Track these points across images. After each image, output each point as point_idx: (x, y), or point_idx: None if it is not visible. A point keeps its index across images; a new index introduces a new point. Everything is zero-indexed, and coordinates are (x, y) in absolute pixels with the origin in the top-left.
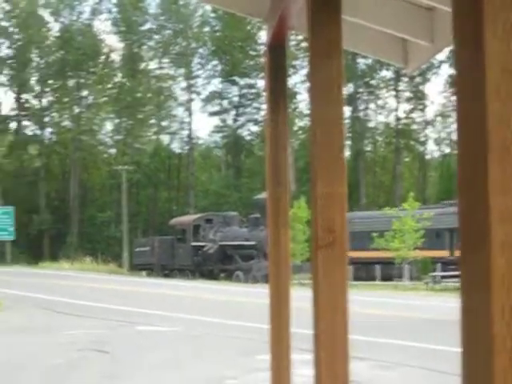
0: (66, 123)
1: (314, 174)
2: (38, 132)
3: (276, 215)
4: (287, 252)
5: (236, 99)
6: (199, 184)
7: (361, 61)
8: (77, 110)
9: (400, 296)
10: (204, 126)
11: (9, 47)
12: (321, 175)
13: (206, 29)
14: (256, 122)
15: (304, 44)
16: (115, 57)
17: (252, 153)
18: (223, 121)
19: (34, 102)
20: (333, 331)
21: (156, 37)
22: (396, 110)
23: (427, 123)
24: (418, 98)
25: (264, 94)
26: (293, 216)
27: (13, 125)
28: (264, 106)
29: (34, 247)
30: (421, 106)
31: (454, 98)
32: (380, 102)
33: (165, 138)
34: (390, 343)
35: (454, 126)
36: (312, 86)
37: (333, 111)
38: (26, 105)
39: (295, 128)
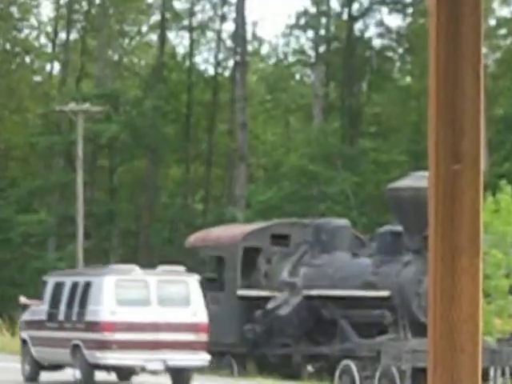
0: None
1: None
2: None
3: (449, 227)
4: (476, 318)
5: None
6: (258, 149)
7: None
8: None
9: None
10: (271, 13)
11: None
12: None
13: None
14: (398, 7)
15: None
16: None
17: (388, 79)
18: (318, 1)
19: None
20: None
21: None
22: None
23: None
24: None
25: None
26: (485, 230)
27: None
28: None
29: None
30: None
31: None
32: None
33: (180, 41)
34: None
35: None
36: None
37: None
38: None
39: (491, 21)
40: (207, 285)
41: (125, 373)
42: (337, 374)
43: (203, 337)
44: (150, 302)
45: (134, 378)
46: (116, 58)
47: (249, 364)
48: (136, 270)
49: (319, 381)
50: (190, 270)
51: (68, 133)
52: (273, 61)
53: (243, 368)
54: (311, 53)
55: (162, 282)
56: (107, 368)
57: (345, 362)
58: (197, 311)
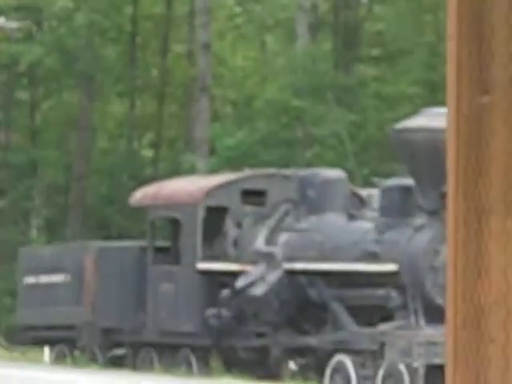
0: None
1: None
2: None
3: (474, 179)
4: (509, 298)
5: None
6: (225, 77)
7: None
8: None
9: None
10: None
11: None
12: None
13: None
14: None
15: None
16: None
17: None
18: None
19: None
20: None
21: None
22: None
23: None
24: None
25: None
26: None
27: None
28: None
29: None
30: None
31: None
32: None
33: None
34: None
35: None
36: None
37: None
38: None
39: None
40: (158, 256)
41: None
42: (327, 372)
43: None
44: None
45: None
46: None
47: (213, 360)
48: None
49: (304, 381)
50: (137, 235)
51: None
52: None
53: (205, 365)
54: None
55: None
56: None
57: (338, 357)
58: None
